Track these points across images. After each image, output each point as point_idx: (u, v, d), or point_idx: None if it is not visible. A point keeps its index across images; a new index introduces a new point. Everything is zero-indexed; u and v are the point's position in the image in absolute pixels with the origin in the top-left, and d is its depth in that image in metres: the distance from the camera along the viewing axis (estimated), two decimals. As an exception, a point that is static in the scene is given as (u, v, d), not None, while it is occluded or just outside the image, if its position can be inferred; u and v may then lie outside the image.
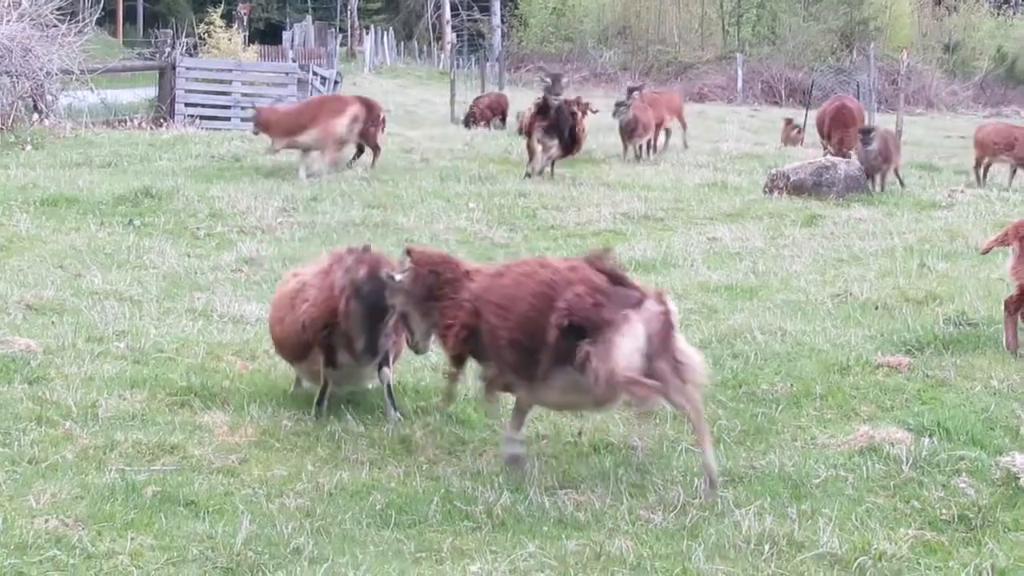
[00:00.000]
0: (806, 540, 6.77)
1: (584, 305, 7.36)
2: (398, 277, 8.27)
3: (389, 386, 9.22)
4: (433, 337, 8.44)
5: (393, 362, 9.33)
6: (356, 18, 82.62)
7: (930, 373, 9.76)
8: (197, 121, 30.20)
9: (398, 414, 9.13)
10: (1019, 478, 7.47)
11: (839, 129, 24.94)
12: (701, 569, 6.56)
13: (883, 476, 7.68)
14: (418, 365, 10.49)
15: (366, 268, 8.60)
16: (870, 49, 39.93)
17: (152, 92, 33.26)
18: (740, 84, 60.39)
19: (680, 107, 28.78)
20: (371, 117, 21.89)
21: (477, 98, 37.16)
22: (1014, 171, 23.27)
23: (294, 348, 9.35)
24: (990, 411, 8.79)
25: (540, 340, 7.52)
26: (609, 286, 7.50)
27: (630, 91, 25.84)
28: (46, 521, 6.86)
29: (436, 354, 10.83)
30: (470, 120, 34.01)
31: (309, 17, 76.39)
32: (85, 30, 29.43)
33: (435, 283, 8.17)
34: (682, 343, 7.58)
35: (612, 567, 6.61)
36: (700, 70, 68.86)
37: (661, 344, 7.37)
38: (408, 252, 8.39)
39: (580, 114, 22.28)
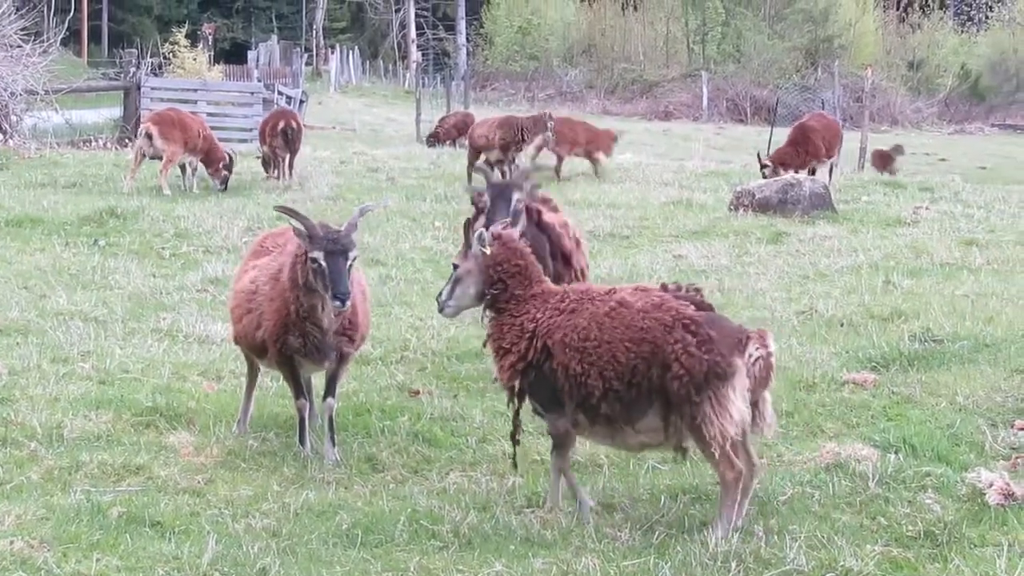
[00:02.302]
0: (772, 557, 6.76)
1: (701, 368, 6.82)
2: (486, 250, 7.65)
3: (331, 419, 8.79)
4: (457, 309, 7.91)
5: (347, 362, 8.99)
6: (321, 37, 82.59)
7: (896, 390, 9.80)
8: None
9: (336, 454, 8.71)
10: (984, 494, 7.49)
11: (788, 144, 24.07)
12: (668, 587, 6.56)
13: (849, 493, 7.69)
14: (384, 385, 10.46)
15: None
16: (835, 67, 40.30)
17: (117, 112, 33.22)
18: (705, 102, 60.75)
19: None
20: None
21: (443, 118, 37.19)
22: None
23: (252, 347, 9.03)
24: (955, 427, 8.83)
25: (640, 392, 7.05)
26: (706, 320, 7.02)
27: None
28: (11, 543, 6.80)
29: (403, 374, 10.85)
30: (433, 139, 34.04)
31: (274, 37, 76.50)
32: (50, 50, 29.47)
33: (502, 291, 7.62)
34: (769, 396, 7.21)
35: (579, 585, 6.60)
36: (665, 88, 69.27)
37: (758, 389, 7.03)
38: (496, 237, 7.73)
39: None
